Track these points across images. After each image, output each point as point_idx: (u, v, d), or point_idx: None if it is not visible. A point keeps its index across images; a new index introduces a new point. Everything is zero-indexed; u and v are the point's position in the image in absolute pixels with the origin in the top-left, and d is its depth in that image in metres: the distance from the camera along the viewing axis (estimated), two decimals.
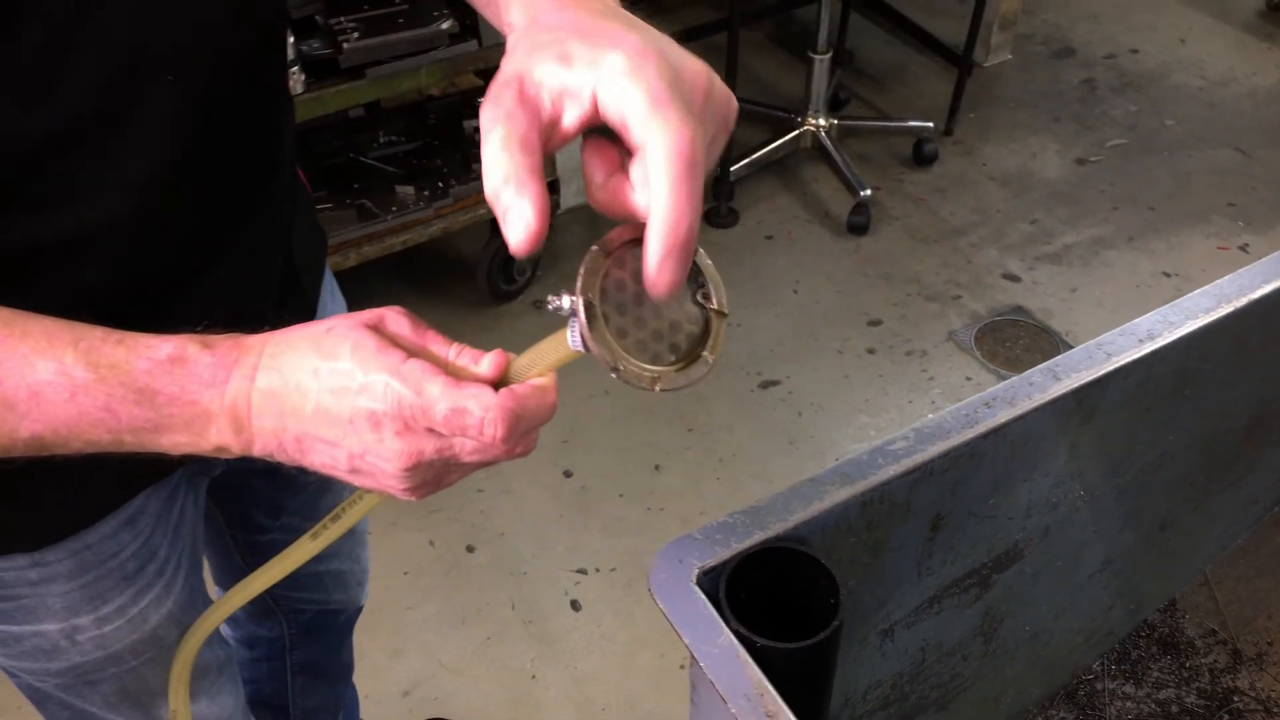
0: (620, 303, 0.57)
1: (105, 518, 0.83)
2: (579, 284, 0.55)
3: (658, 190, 0.50)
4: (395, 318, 0.61)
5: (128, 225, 0.71)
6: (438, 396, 0.57)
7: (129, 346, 0.60)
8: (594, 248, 0.56)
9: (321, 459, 0.61)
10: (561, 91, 0.52)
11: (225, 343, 0.61)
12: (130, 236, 0.72)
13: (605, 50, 0.51)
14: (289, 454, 0.61)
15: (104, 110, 0.66)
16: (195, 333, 0.61)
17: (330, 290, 1.05)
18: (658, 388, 0.57)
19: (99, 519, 0.83)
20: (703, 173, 0.51)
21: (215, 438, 0.61)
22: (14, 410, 0.58)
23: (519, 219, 0.52)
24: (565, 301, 0.56)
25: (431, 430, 0.58)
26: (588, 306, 0.55)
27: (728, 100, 0.57)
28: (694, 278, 0.59)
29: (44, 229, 0.68)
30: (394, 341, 0.59)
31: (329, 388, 0.58)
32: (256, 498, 1.11)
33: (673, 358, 0.58)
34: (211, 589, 1.16)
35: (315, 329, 0.60)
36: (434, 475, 0.61)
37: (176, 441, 0.61)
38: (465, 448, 0.59)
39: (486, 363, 0.60)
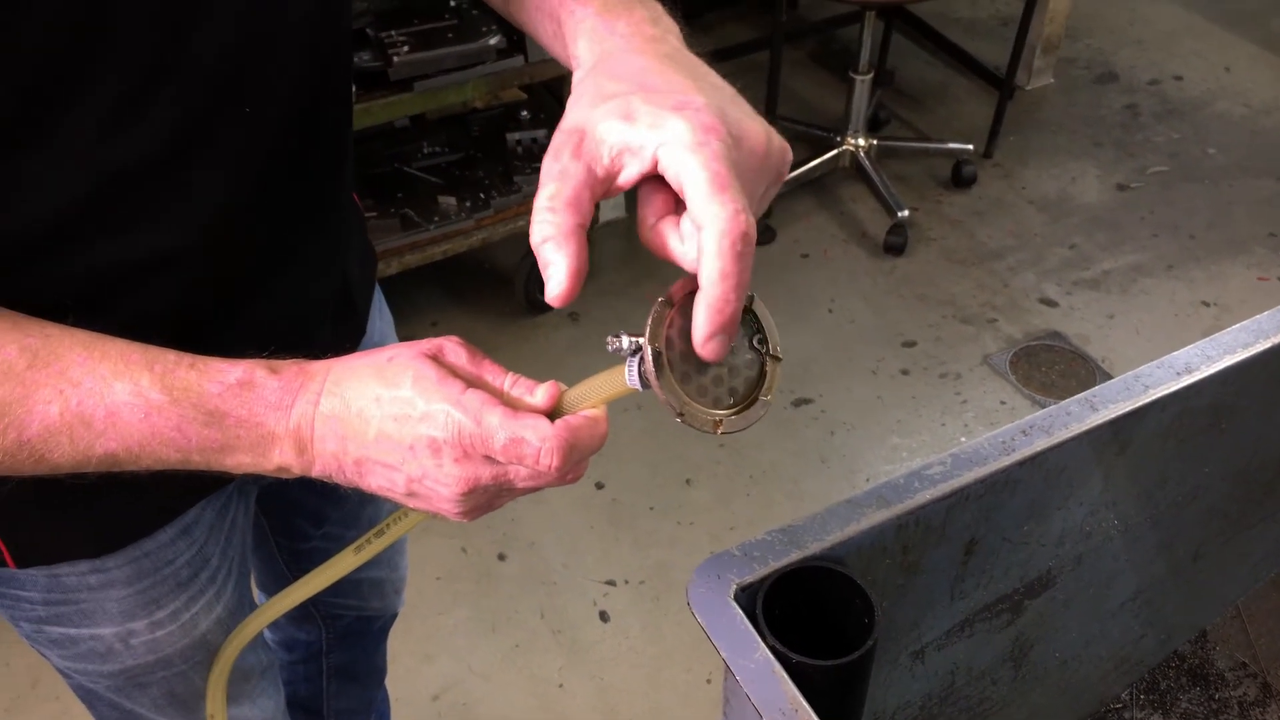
0: (684, 350, 0.60)
1: (163, 527, 0.86)
2: (647, 333, 0.58)
3: (708, 271, 0.53)
4: (454, 348, 0.64)
5: (197, 251, 0.73)
6: (497, 426, 0.59)
7: (200, 370, 0.63)
8: (660, 299, 0.59)
9: (379, 482, 0.63)
10: (623, 149, 0.55)
11: (291, 368, 0.64)
12: (199, 262, 0.74)
13: (670, 114, 0.54)
14: (348, 476, 0.64)
15: (180, 143, 0.68)
16: (261, 357, 0.64)
17: (379, 306, 1.08)
18: (720, 430, 0.61)
19: (158, 528, 0.85)
20: (752, 250, 0.54)
21: (278, 458, 0.64)
22: (91, 428, 0.61)
23: (554, 276, 0.55)
24: (625, 342, 0.60)
25: (489, 458, 0.61)
26: (655, 356, 0.58)
27: (783, 154, 0.61)
28: (750, 323, 0.63)
29: (118, 255, 0.70)
30: (453, 371, 0.62)
31: (391, 415, 0.61)
32: (301, 507, 1.13)
33: (731, 400, 0.62)
34: (255, 594, 1.19)
35: (377, 358, 0.63)
36: (486, 499, 0.64)
37: (241, 462, 0.64)
38: (520, 475, 0.62)
39: (541, 393, 0.63)
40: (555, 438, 0.60)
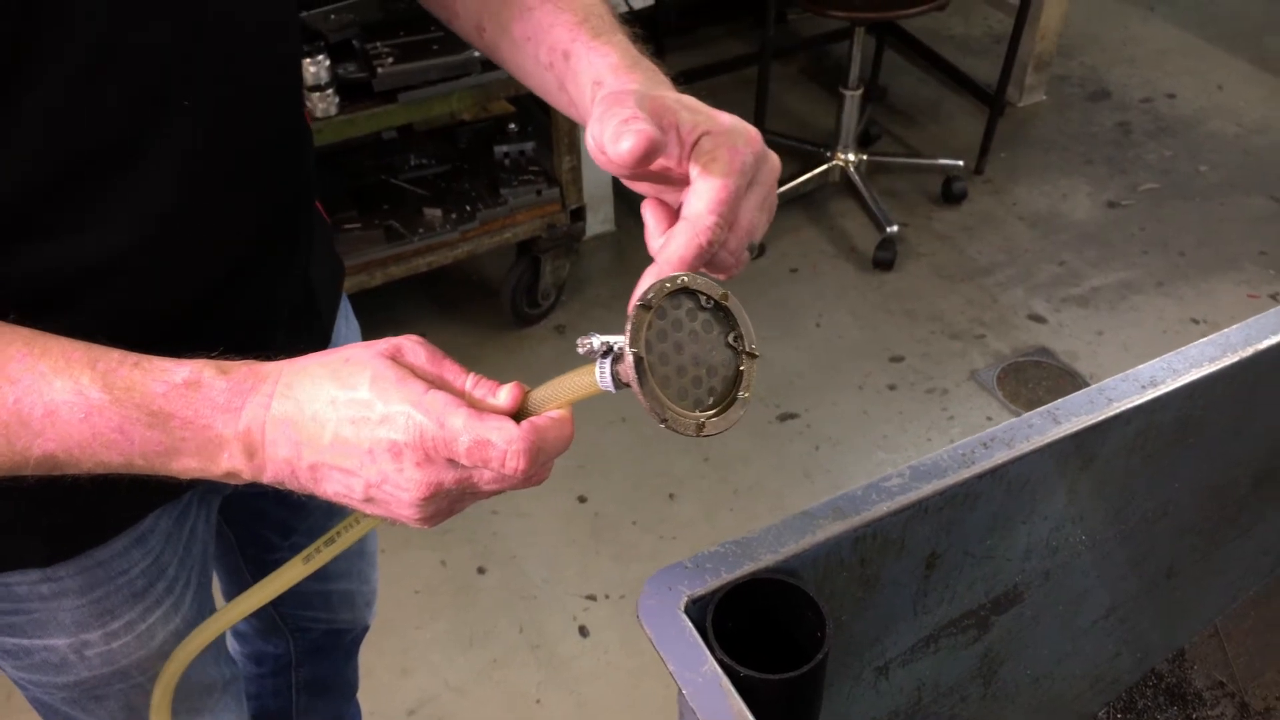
0: (662, 353, 0.59)
1: (117, 535, 0.84)
2: (627, 337, 0.57)
3: (700, 202, 0.60)
4: (412, 347, 0.62)
5: (147, 253, 0.72)
6: (460, 429, 0.57)
7: (145, 369, 0.61)
8: (637, 303, 0.58)
9: (336, 488, 0.61)
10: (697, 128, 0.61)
11: (241, 369, 0.62)
12: (149, 265, 0.73)
13: (723, 114, 0.63)
14: (301, 482, 0.62)
15: (124, 139, 0.67)
16: (211, 358, 0.62)
17: (345, 316, 1.07)
18: (703, 434, 0.60)
19: (111, 537, 0.84)
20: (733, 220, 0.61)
21: (226, 463, 0.61)
22: (28, 427, 0.59)
23: (630, 129, 0.57)
24: (596, 343, 0.59)
25: (452, 461, 0.59)
26: (638, 361, 0.57)
27: (775, 168, 0.66)
28: (726, 320, 0.62)
29: (64, 257, 0.69)
30: (412, 371, 0.60)
31: (348, 418, 0.59)
32: (266, 518, 1.12)
33: (710, 401, 0.62)
34: (221, 605, 1.18)
35: (331, 358, 0.62)
36: (448, 504, 0.62)
37: (187, 466, 0.62)
38: (484, 478, 0.60)
39: (504, 394, 0.61)
40: (521, 439, 0.58)
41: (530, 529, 2.11)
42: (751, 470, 2.22)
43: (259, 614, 1.25)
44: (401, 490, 0.60)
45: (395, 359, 0.61)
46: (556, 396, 0.62)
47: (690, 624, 0.72)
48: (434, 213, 2.28)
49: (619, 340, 0.58)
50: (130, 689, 0.93)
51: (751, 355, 0.64)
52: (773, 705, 0.71)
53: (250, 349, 0.67)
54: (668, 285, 0.59)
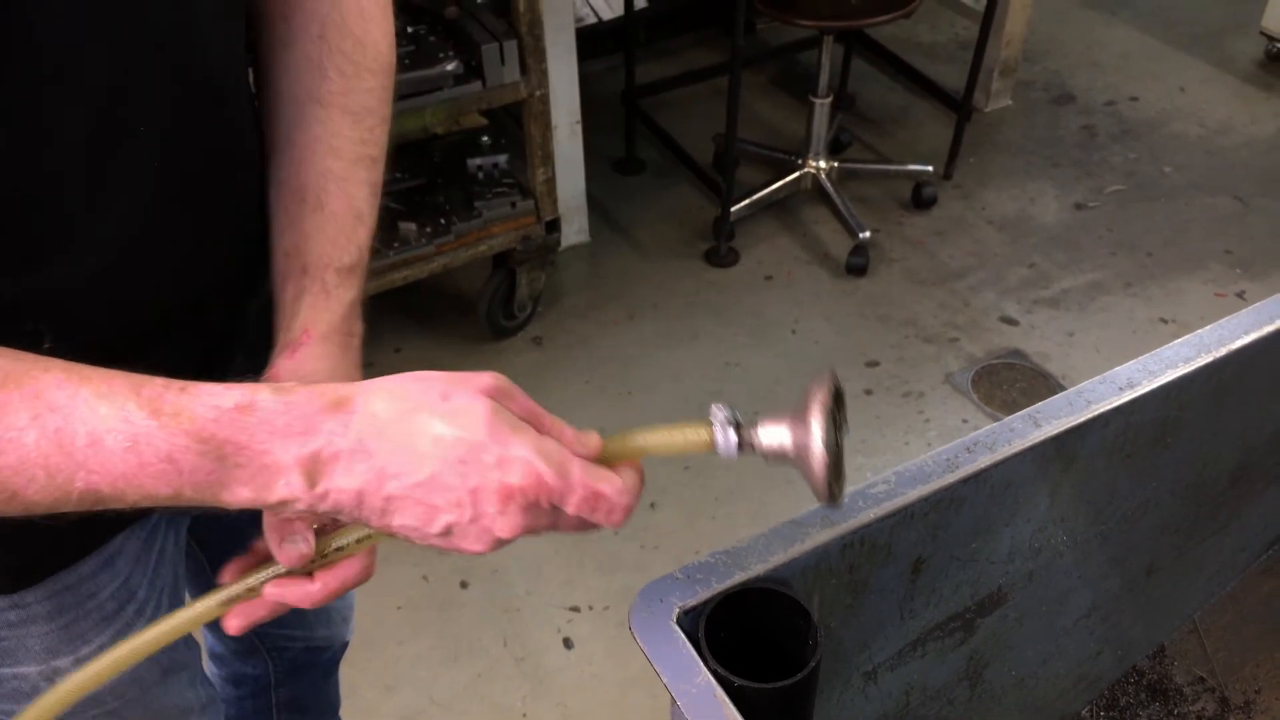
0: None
1: (84, 559, 0.83)
2: (820, 431, 0.63)
3: None
4: (510, 387, 0.62)
5: (107, 279, 0.71)
6: (578, 481, 0.58)
7: (192, 394, 0.57)
8: (827, 404, 0.64)
9: (409, 521, 0.60)
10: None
11: (302, 390, 0.59)
12: (108, 290, 0.71)
13: None
14: (365, 512, 0.60)
15: (81, 167, 0.65)
16: (173, 378, 0.59)
17: None
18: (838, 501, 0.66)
19: (77, 560, 0.82)
20: None
21: (282, 490, 0.58)
22: (71, 458, 0.55)
23: None
24: (725, 414, 0.65)
25: (555, 507, 0.60)
26: (837, 455, 0.63)
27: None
28: (840, 406, 0.67)
29: (23, 286, 0.66)
30: (516, 414, 0.61)
31: (456, 458, 0.58)
32: (238, 538, 1.10)
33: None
34: (198, 630, 1.16)
35: (427, 392, 0.59)
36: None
37: (239, 496, 0.58)
38: (570, 523, 0.61)
39: (593, 440, 0.63)
40: (630, 493, 0.60)
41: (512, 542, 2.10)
42: (732, 477, 2.23)
43: (236, 635, 1.23)
44: (493, 530, 0.59)
45: (500, 400, 0.60)
46: (640, 445, 0.64)
47: (683, 635, 0.73)
48: (409, 226, 2.28)
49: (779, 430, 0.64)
50: (104, 715, 0.91)
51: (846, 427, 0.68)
52: (766, 714, 0.71)
53: (208, 372, 0.65)
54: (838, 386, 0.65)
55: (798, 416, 0.64)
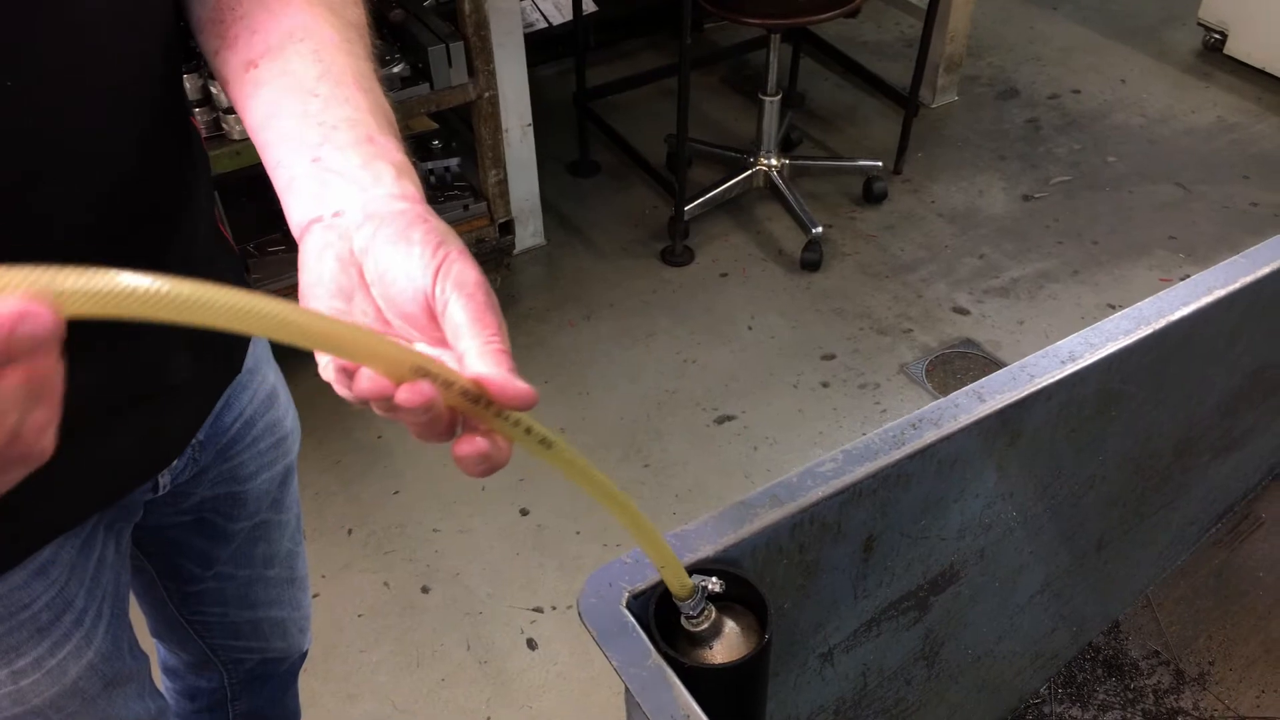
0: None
1: (15, 567, 0.80)
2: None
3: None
4: None
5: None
6: None
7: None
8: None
9: None
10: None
11: None
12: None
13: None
14: None
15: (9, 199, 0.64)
16: (115, 402, 0.57)
17: (265, 343, 1.03)
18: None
19: (9, 568, 0.80)
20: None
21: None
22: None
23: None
24: (713, 585, 0.73)
25: None
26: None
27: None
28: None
29: None
30: None
31: None
32: (185, 549, 1.08)
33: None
34: (149, 642, 1.14)
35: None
36: None
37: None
38: None
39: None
40: None
41: (473, 545, 2.09)
42: (691, 474, 2.23)
43: (189, 648, 1.21)
44: None
45: None
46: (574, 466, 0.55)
47: (633, 619, 0.72)
48: None
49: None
50: None
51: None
52: (718, 694, 0.71)
53: (150, 378, 0.63)
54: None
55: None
